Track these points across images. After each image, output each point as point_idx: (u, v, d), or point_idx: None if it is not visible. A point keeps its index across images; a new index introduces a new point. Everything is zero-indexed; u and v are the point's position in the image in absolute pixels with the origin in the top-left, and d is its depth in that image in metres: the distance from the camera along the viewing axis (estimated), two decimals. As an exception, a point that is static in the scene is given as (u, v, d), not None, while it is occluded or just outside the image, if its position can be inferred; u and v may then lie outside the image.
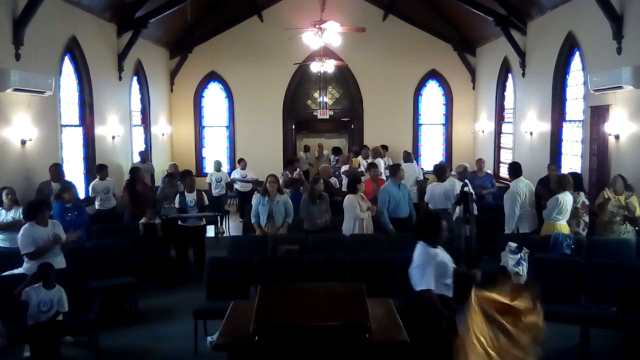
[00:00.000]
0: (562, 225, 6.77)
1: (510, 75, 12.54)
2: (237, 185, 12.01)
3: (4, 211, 6.61)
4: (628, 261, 6.16)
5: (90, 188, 9.22)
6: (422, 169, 12.61)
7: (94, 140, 10.16)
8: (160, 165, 12.90)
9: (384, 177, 9.85)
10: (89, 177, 10.07)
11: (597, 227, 7.10)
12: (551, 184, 7.52)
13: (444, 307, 4.28)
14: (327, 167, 9.91)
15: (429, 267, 4.25)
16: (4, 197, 6.61)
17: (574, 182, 7.02)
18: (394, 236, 7.22)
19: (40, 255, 5.57)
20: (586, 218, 7.06)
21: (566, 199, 6.76)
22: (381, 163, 11.16)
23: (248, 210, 7.93)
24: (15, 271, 5.70)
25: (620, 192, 6.87)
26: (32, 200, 6.35)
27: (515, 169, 7.61)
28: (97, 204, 9.11)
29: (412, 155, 11.81)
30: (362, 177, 8.63)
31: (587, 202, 7.12)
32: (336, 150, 14.58)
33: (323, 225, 7.42)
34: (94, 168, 9.37)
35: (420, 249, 4.40)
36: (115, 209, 9.16)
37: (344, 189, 9.05)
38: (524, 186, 7.40)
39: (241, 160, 12.25)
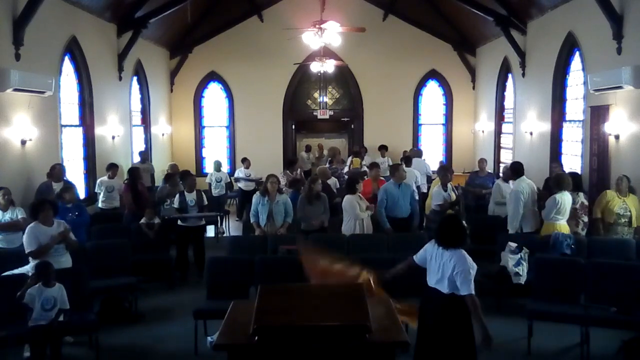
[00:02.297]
0: (562, 225, 6.75)
1: (510, 75, 12.54)
2: (240, 184, 12.04)
3: (0, 212, 6.57)
4: (628, 261, 6.17)
5: (97, 183, 9.28)
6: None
7: (94, 140, 10.17)
8: (160, 165, 12.90)
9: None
10: (89, 177, 10.09)
11: (598, 228, 7.06)
12: (550, 183, 7.52)
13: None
14: (325, 168, 9.87)
15: (472, 271, 4.21)
16: (0, 197, 6.58)
17: (573, 182, 6.99)
18: (392, 236, 7.22)
19: (42, 254, 5.56)
20: (585, 218, 7.06)
21: (564, 198, 6.74)
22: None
23: (249, 209, 7.94)
24: (17, 270, 5.69)
25: (625, 192, 6.86)
26: (35, 200, 6.34)
27: (517, 169, 7.60)
28: (100, 202, 9.14)
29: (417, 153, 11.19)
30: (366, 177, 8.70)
31: (586, 203, 7.11)
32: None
33: (319, 226, 7.38)
34: (105, 167, 9.40)
35: (459, 254, 4.26)
36: (117, 209, 9.18)
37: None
38: (527, 186, 7.39)
39: (245, 159, 12.28)
